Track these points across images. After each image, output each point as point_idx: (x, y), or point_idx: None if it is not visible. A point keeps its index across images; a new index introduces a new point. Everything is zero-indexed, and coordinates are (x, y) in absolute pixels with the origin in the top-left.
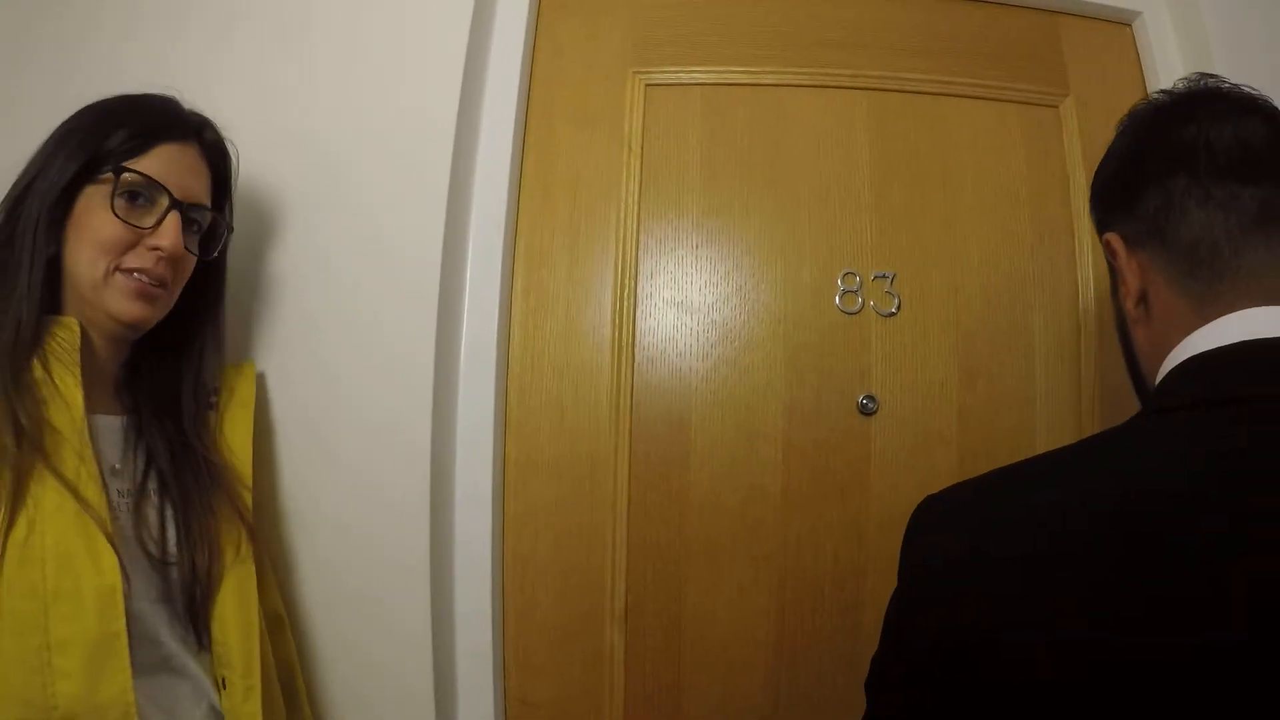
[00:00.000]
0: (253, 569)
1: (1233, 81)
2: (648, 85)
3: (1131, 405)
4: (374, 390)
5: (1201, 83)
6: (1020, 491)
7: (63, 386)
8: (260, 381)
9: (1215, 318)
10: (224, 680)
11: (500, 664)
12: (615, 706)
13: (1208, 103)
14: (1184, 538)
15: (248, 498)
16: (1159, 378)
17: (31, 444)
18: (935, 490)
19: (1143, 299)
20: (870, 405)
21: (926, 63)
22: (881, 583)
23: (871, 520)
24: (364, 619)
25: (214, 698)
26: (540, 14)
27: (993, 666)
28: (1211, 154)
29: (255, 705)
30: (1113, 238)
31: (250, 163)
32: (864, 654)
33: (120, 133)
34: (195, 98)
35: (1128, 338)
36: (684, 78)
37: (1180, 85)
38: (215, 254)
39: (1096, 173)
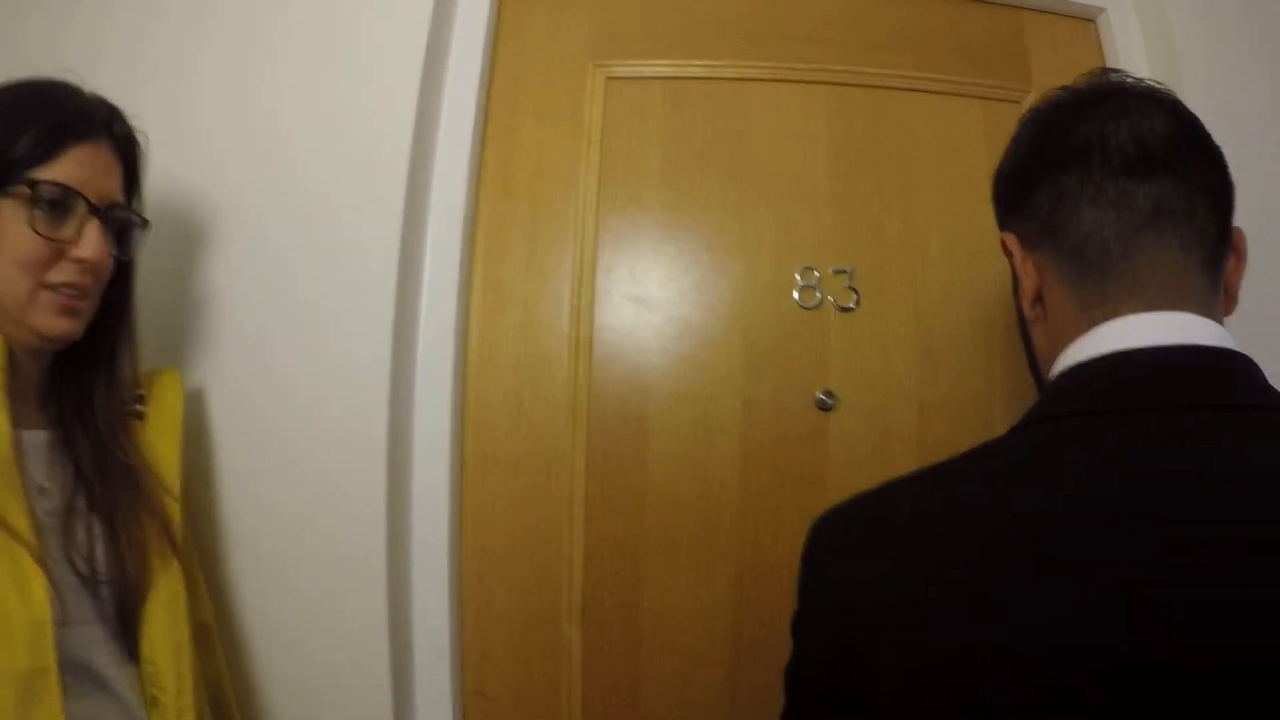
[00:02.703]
0: (181, 582)
1: (1149, 79)
2: (608, 78)
3: None
4: (328, 390)
5: (1104, 78)
6: (898, 509)
7: None
8: (202, 387)
9: (1100, 322)
10: (154, 699)
11: (459, 658)
12: (573, 700)
13: (1107, 99)
14: (1051, 554)
15: (175, 508)
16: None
17: None
18: None
19: (1038, 299)
20: (828, 401)
21: (890, 58)
22: None
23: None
24: (315, 621)
25: (143, 717)
26: (503, 5)
27: (871, 689)
28: (1105, 151)
29: None
30: (1008, 237)
31: (192, 162)
32: None
33: (26, 137)
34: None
35: (1028, 339)
36: (645, 71)
37: (1083, 81)
38: (131, 254)
39: (996, 170)
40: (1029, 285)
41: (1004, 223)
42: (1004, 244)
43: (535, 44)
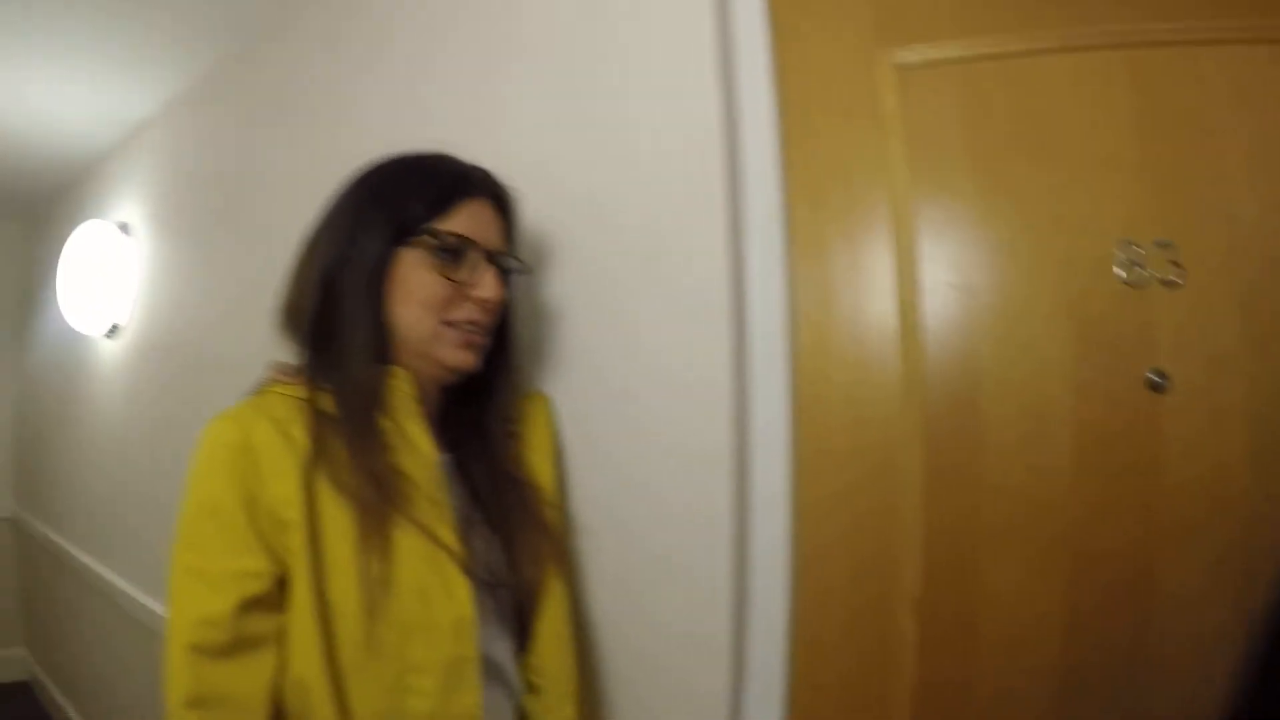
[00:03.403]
0: (563, 583)
1: None
2: (898, 66)
3: None
4: (668, 401)
5: None
6: None
7: (413, 436)
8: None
9: None
10: (537, 687)
11: (790, 649)
12: (903, 690)
13: None
14: None
15: (555, 518)
16: None
17: (389, 494)
18: (1229, 464)
19: None
20: (1160, 381)
21: (1176, 9)
22: (1173, 562)
23: (1162, 497)
24: (657, 622)
25: (521, 702)
26: (776, 7)
27: None
28: None
29: (571, 711)
30: None
31: (539, 208)
32: (1153, 633)
33: (420, 198)
34: (469, 140)
35: None
36: (933, 55)
37: None
38: (516, 293)
39: None
40: None
41: None
42: None
43: (816, 42)
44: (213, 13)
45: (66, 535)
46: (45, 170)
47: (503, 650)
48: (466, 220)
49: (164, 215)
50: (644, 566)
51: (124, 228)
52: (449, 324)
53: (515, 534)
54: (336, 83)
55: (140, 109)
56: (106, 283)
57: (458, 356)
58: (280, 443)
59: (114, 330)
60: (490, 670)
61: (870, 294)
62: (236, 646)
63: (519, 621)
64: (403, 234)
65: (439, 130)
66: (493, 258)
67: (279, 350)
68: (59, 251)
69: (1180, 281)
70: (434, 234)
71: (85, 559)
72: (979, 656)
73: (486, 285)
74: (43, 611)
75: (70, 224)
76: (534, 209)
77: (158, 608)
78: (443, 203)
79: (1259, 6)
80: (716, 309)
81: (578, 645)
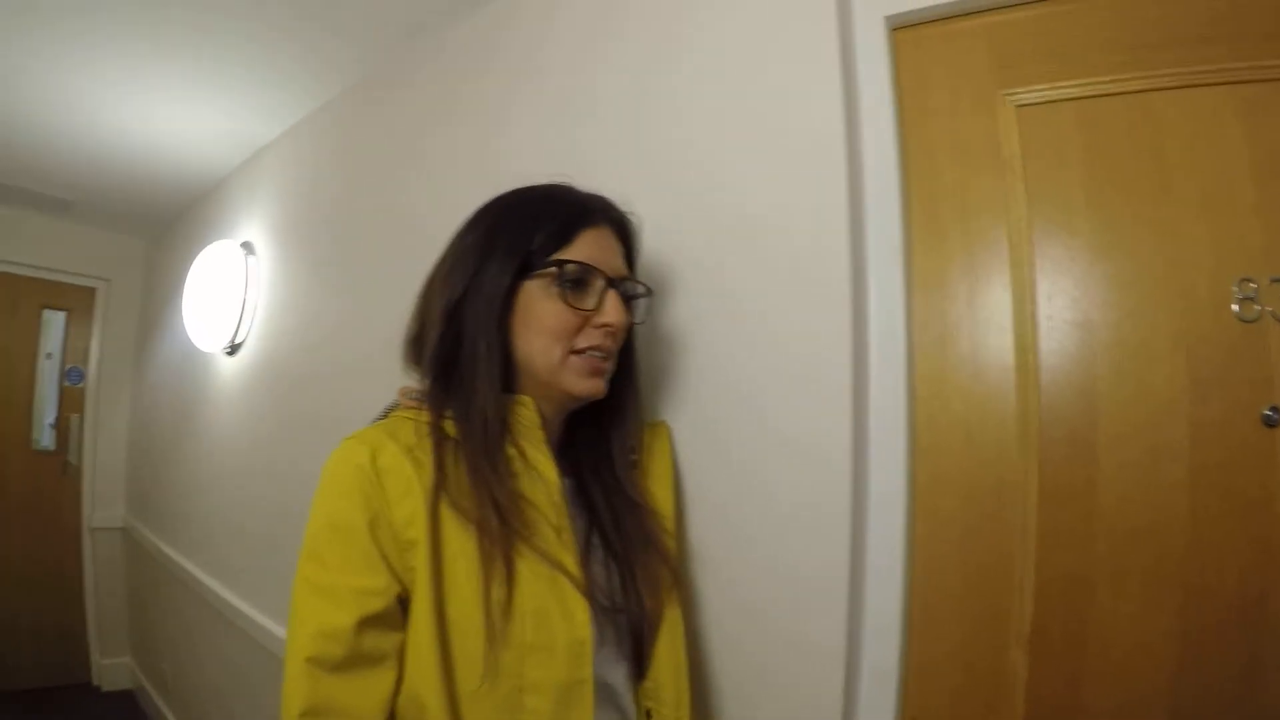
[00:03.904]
0: (680, 610)
1: None
2: (1018, 106)
3: None
4: (791, 425)
5: None
6: None
7: (536, 463)
8: (679, 423)
9: None
10: (649, 712)
11: (901, 695)
12: (1013, 716)
13: None
14: None
15: (673, 545)
16: None
17: (511, 521)
18: None
19: None
20: (1275, 417)
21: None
22: None
23: (1277, 532)
24: (774, 641)
25: None
26: (897, 49)
27: None
28: None
29: None
30: None
31: (654, 231)
32: (1266, 672)
33: (543, 229)
34: (611, 179)
35: None
36: (1051, 94)
37: None
38: (641, 319)
39: None
40: None
41: None
42: None
43: (937, 84)
44: (339, 45)
45: (177, 547)
46: (171, 189)
47: (619, 675)
48: (587, 248)
49: (286, 237)
50: (750, 613)
51: (247, 247)
52: (575, 352)
53: (635, 560)
54: (463, 114)
55: (266, 132)
56: (229, 300)
57: (586, 384)
58: (406, 465)
59: (234, 347)
60: (605, 694)
61: (988, 330)
62: (355, 661)
63: (636, 648)
64: (526, 266)
65: (577, 162)
66: (615, 283)
67: (398, 372)
68: (182, 268)
69: None
70: (557, 264)
71: (194, 571)
72: (1088, 687)
73: (611, 311)
74: (149, 621)
75: (193, 242)
76: (656, 245)
77: (266, 622)
78: (564, 233)
79: None
80: (837, 351)
81: (694, 674)
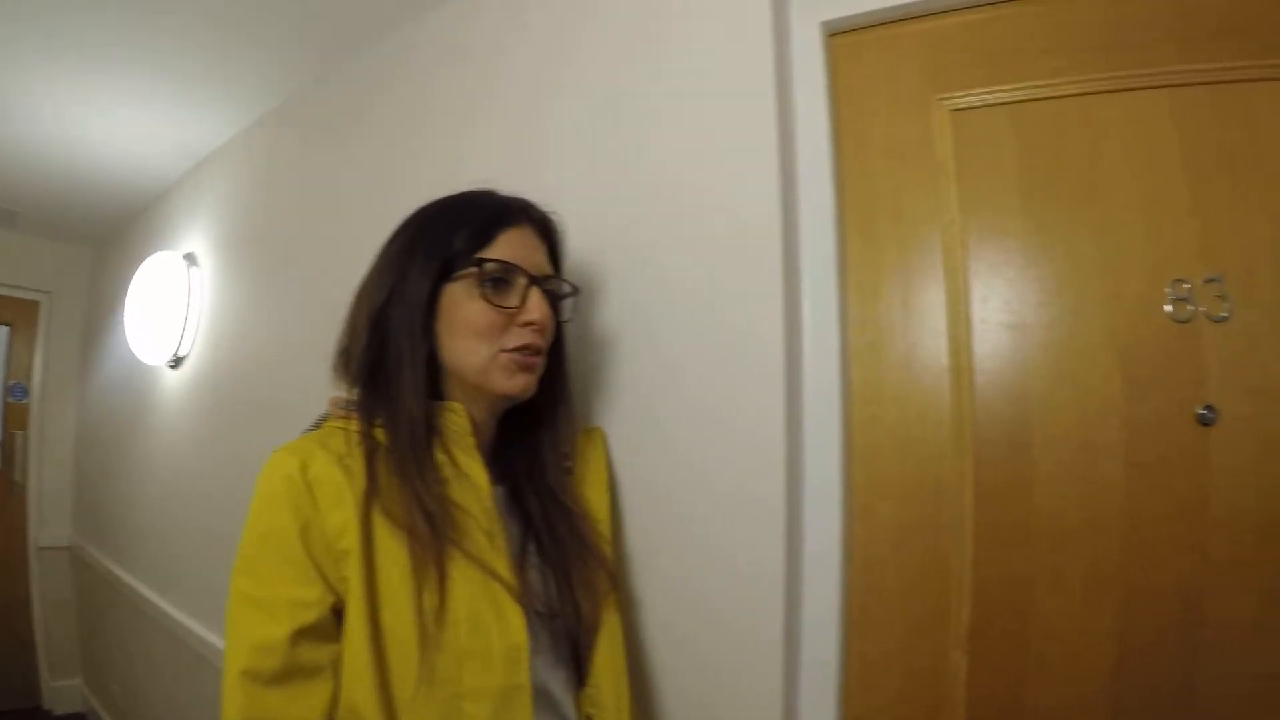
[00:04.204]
0: (618, 614)
1: None
2: (952, 110)
3: None
4: (720, 440)
5: None
6: None
7: (467, 469)
8: (605, 437)
9: None
10: (589, 718)
11: (842, 695)
12: (954, 716)
13: None
14: None
15: (609, 550)
16: None
17: (441, 527)
18: None
19: None
20: (1209, 415)
21: (1221, 49)
22: (1224, 597)
23: (1213, 532)
24: (714, 637)
25: None
26: (833, 55)
27: None
28: None
29: None
30: None
31: (583, 244)
32: (1204, 671)
33: (463, 231)
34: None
35: None
36: (985, 98)
37: None
38: (568, 318)
39: None
40: None
41: None
42: None
43: (872, 89)
44: (280, 55)
45: (125, 565)
46: (114, 199)
47: (557, 681)
48: (508, 247)
49: (229, 247)
50: (693, 608)
51: (190, 258)
52: (504, 351)
53: (570, 565)
54: (397, 124)
55: (209, 141)
56: (172, 313)
57: (515, 382)
58: (338, 474)
59: (178, 361)
60: (543, 700)
61: (922, 333)
62: (291, 674)
63: (574, 653)
64: (448, 268)
65: (496, 170)
66: (538, 281)
67: (338, 385)
68: (126, 280)
69: (1228, 316)
70: (477, 263)
71: (143, 589)
72: (1029, 687)
73: (534, 307)
74: (99, 642)
75: (138, 253)
76: (590, 243)
77: (213, 639)
78: (484, 233)
79: None
80: (770, 351)
81: (633, 678)
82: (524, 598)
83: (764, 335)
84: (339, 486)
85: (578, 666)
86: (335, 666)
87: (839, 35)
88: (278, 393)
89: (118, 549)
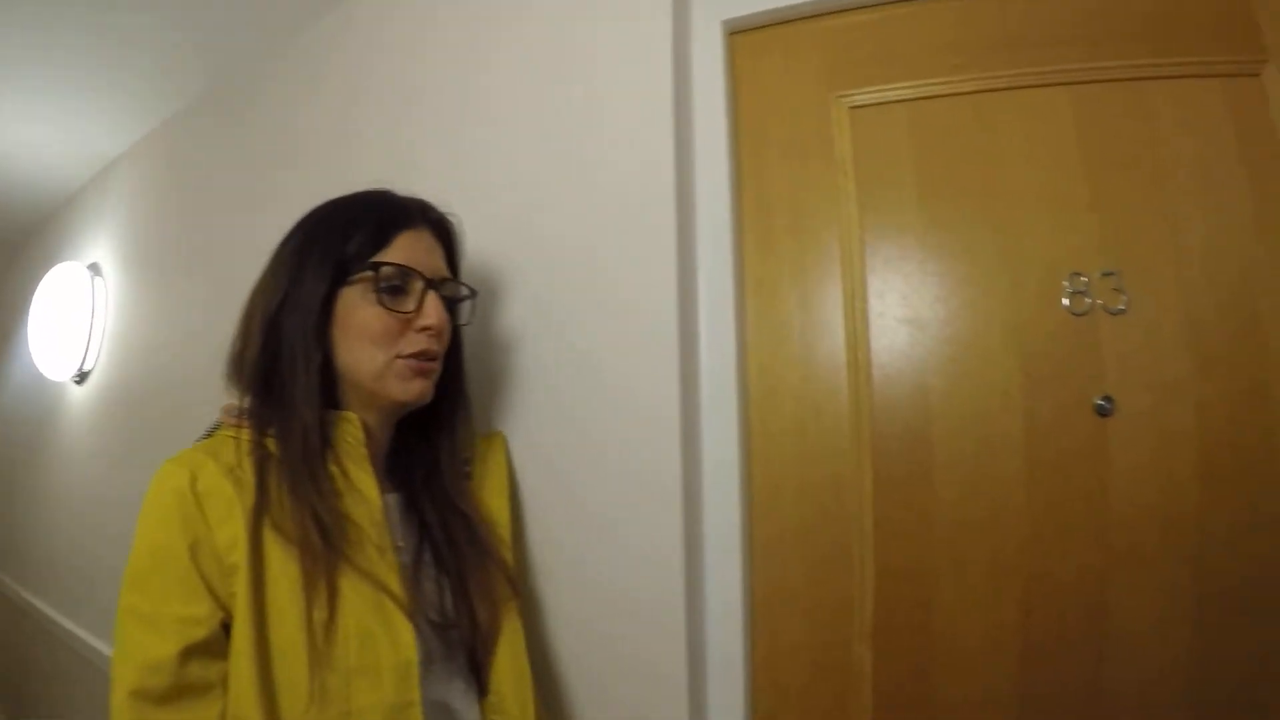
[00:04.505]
0: (519, 621)
1: None
2: (851, 108)
3: None
4: (620, 434)
5: None
6: None
7: (358, 481)
8: (506, 434)
9: None
10: None
11: (750, 688)
12: (862, 711)
13: None
14: None
15: (509, 556)
16: None
17: (333, 540)
18: (1178, 488)
19: None
20: (1107, 406)
21: (1123, 48)
22: (1126, 587)
23: (1113, 523)
24: (616, 657)
25: None
26: (734, 53)
27: None
28: None
29: None
30: None
31: (482, 233)
32: (1108, 657)
33: (358, 234)
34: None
35: None
36: (885, 95)
37: None
38: (466, 321)
39: None
40: None
41: None
42: None
43: (772, 87)
44: (187, 55)
45: (34, 589)
46: (15, 208)
47: (455, 692)
48: (404, 250)
49: (135, 257)
50: (601, 602)
51: (95, 269)
52: (399, 357)
53: (467, 573)
54: (303, 125)
55: (112, 147)
56: (76, 326)
57: (411, 389)
58: (227, 487)
59: (83, 376)
60: (440, 713)
61: (820, 330)
62: (180, 693)
63: (473, 662)
64: (343, 273)
65: (410, 171)
66: (435, 285)
67: (231, 392)
68: (29, 292)
69: (1125, 309)
70: (372, 267)
71: (53, 614)
72: (936, 679)
73: (431, 312)
74: (12, 669)
75: (41, 264)
76: (489, 243)
77: None
78: (380, 236)
79: (1209, 43)
80: (666, 347)
81: (537, 684)
82: (417, 611)
83: (661, 336)
84: (229, 499)
85: (478, 675)
86: (226, 684)
87: (740, 34)
88: (188, 406)
89: (27, 573)
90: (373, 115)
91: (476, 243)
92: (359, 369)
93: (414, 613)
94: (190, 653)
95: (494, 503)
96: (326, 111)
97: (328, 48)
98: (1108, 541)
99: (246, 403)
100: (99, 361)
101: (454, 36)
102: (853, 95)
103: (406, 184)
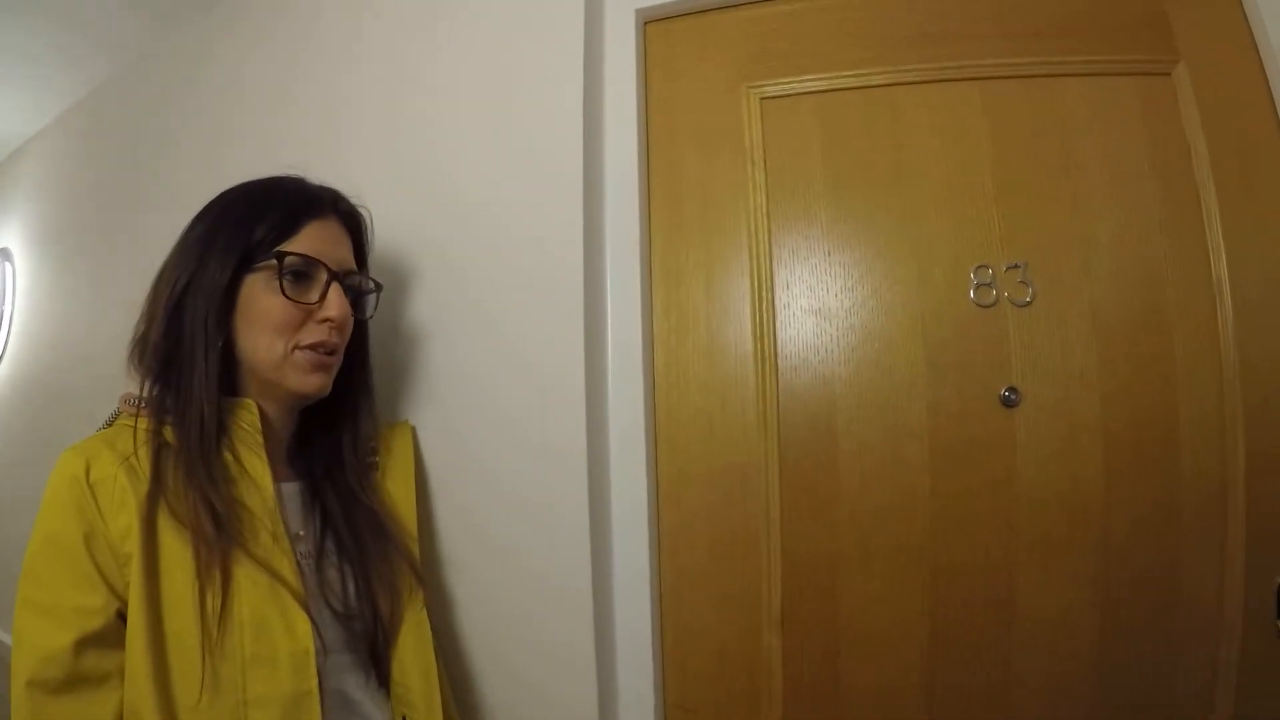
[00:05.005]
0: (424, 611)
1: None
2: (762, 99)
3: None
4: (529, 422)
5: None
6: None
7: (251, 468)
8: (419, 417)
9: None
10: (404, 717)
11: (660, 674)
12: (774, 710)
13: None
14: None
15: (414, 547)
16: None
17: (228, 527)
18: (1085, 478)
19: None
20: (1012, 397)
21: (1037, 45)
22: (1033, 573)
23: (1020, 512)
24: (525, 642)
25: None
26: (648, 42)
27: None
28: None
29: None
30: None
31: (393, 224)
32: (1016, 645)
33: (266, 221)
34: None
35: None
36: (796, 87)
37: None
38: (370, 314)
39: None
40: None
41: None
42: None
43: (685, 77)
44: (96, 33)
45: None
46: None
47: (355, 682)
48: (312, 241)
49: (46, 241)
50: (514, 585)
51: (4, 254)
52: (299, 348)
53: (370, 564)
54: (219, 104)
55: (21, 129)
56: None
57: (309, 381)
58: (121, 476)
59: None
60: (339, 702)
61: (726, 319)
62: (76, 683)
63: (375, 653)
64: (248, 259)
65: (305, 156)
66: (340, 277)
67: (131, 377)
68: None
69: (1030, 300)
70: (278, 256)
71: None
72: (844, 665)
73: (333, 305)
74: None
75: None
76: (397, 235)
77: None
78: (288, 225)
79: (1122, 42)
80: (571, 339)
81: (447, 667)
82: (316, 600)
83: (566, 323)
84: (123, 488)
85: (379, 666)
86: (124, 674)
87: (655, 23)
88: (102, 393)
89: None
90: (305, 85)
91: (392, 220)
92: (258, 357)
93: (313, 602)
94: (86, 643)
95: (399, 493)
96: (230, 94)
97: (257, 21)
98: (1015, 530)
99: (146, 389)
100: (6, 348)
101: (385, 9)
102: (764, 86)
103: (337, 151)
